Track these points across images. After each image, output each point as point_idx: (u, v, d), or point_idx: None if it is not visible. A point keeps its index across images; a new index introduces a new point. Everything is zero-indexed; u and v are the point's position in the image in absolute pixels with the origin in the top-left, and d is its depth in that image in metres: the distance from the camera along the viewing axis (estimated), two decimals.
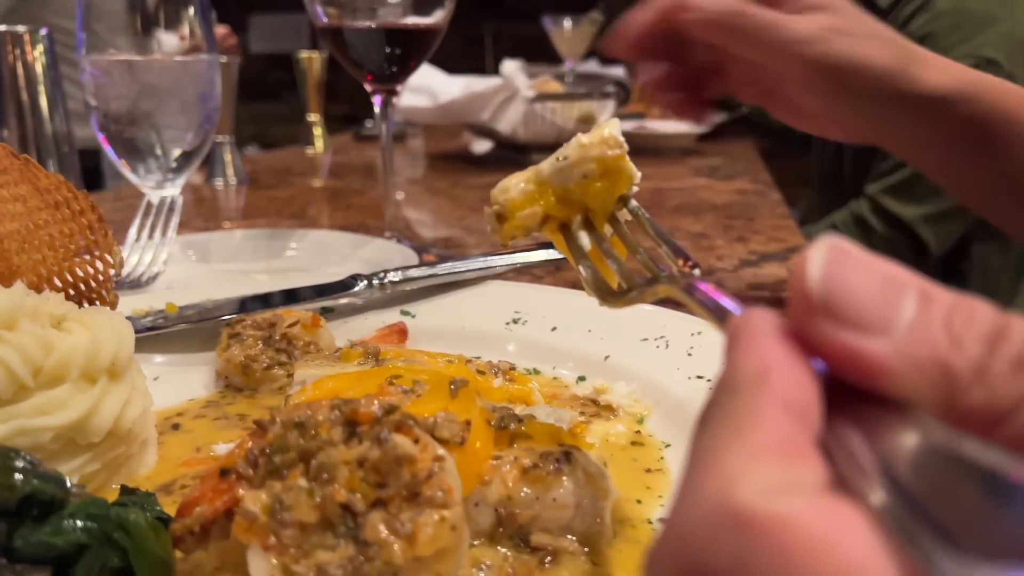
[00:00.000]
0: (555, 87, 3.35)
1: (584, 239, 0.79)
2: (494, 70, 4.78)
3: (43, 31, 2.15)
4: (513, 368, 1.00)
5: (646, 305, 1.21)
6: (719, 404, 0.39)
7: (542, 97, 3.05)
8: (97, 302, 0.90)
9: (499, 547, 0.71)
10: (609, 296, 0.73)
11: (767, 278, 1.69)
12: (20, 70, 2.32)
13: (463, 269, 1.24)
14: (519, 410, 0.94)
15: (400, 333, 1.14)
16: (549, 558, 0.70)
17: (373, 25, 1.65)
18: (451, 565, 0.61)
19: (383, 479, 0.61)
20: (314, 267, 1.60)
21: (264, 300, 1.14)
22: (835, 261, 0.39)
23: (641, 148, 3.49)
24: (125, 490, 0.77)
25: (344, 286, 1.19)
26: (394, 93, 1.72)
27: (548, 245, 1.36)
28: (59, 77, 2.27)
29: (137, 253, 1.35)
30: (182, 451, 0.89)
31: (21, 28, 2.20)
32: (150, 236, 1.40)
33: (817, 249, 0.40)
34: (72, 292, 0.88)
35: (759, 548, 0.32)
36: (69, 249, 0.88)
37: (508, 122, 3.04)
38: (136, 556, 0.63)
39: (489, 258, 1.29)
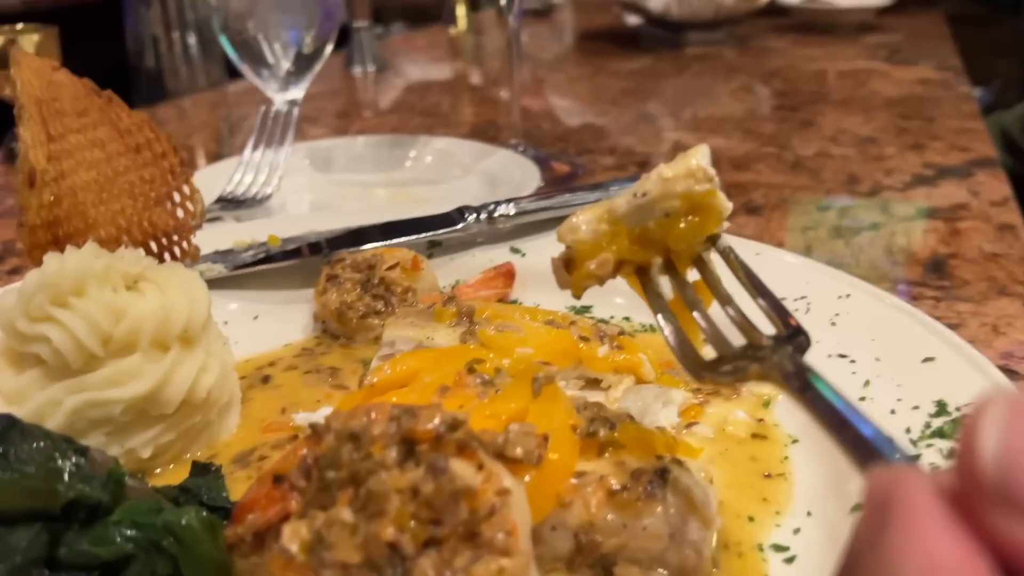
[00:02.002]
0: None
1: (665, 286, 0.66)
2: None
3: None
4: (622, 333, 0.90)
5: (788, 256, 1.06)
6: None
7: None
8: (177, 251, 0.86)
9: None
10: (699, 369, 0.60)
11: (942, 201, 1.46)
12: None
13: (579, 203, 1.12)
14: (620, 389, 0.85)
15: (506, 276, 1.05)
16: None
17: None
18: None
19: (438, 515, 0.54)
20: (435, 179, 1.53)
21: (367, 236, 1.07)
22: (1018, 428, 0.27)
23: (811, 23, 3.15)
24: (196, 468, 0.74)
25: (451, 220, 1.10)
26: None
27: None
28: None
29: (252, 172, 1.30)
30: (267, 411, 0.85)
31: None
32: (266, 147, 1.35)
33: (991, 411, 0.28)
34: (152, 243, 0.83)
35: None
36: (149, 197, 0.83)
37: (660, 0, 2.79)
38: (186, 563, 0.60)
39: (611, 188, 1.16)
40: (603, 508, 0.62)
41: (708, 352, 0.63)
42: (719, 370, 0.59)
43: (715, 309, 0.64)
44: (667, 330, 0.63)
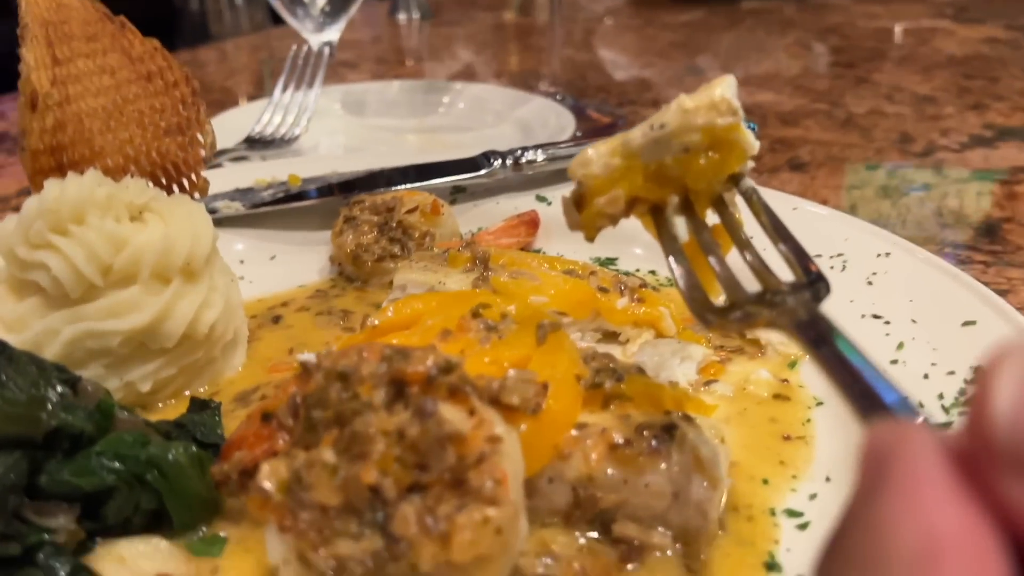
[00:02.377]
0: None
1: (680, 227, 0.61)
2: None
3: None
4: (644, 285, 0.86)
5: (823, 210, 1.00)
6: None
7: None
8: (186, 184, 0.84)
9: (576, 532, 0.60)
10: (707, 312, 0.56)
11: (1001, 163, 1.38)
12: None
13: None
14: (638, 343, 0.81)
15: (529, 225, 1.01)
16: (634, 554, 0.58)
17: None
18: (494, 572, 0.51)
19: (423, 460, 0.51)
20: (467, 126, 1.49)
21: (388, 178, 1.04)
22: None
23: None
24: (195, 404, 0.72)
25: (475, 165, 1.07)
26: None
27: None
28: None
29: (281, 113, 1.28)
30: (275, 351, 0.83)
31: None
32: (296, 88, 1.33)
33: (1009, 365, 0.25)
34: (160, 175, 0.81)
35: None
36: (159, 127, 0.81)
37: None
38: (171, 498, 0.58)
39: None
40: (604, 462, 0.58)
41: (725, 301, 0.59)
42: (728, 316, 0.55)
43: (734, 255, 0.60)
44: (677, 272, 0.59)
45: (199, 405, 0.71)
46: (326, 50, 1.39)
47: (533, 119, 1.45)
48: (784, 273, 0.56)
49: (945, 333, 0.74)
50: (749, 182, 0.62)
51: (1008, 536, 0.25)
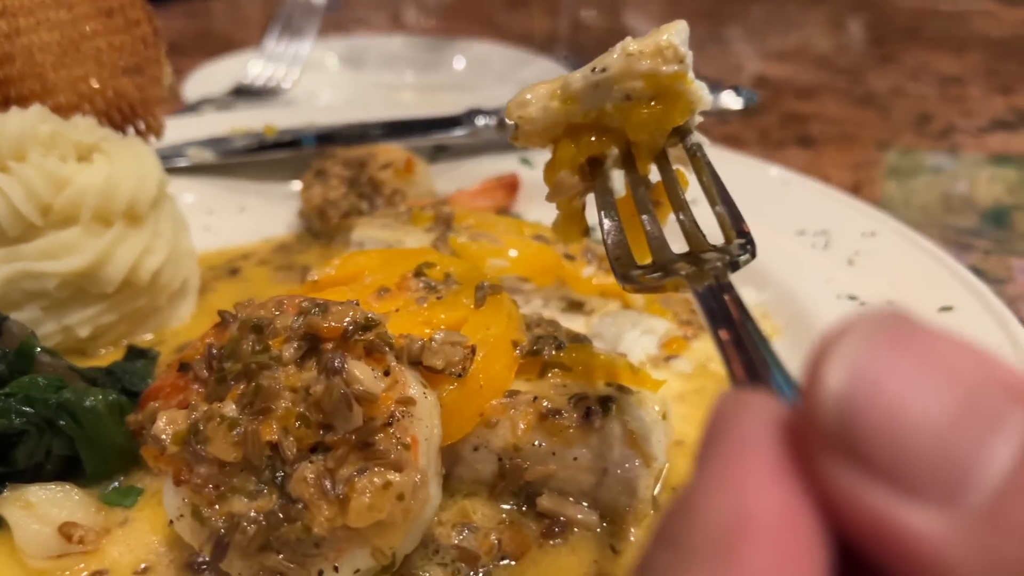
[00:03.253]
0: None
1: (617, 181, 0.57)
2: None
3: None
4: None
5: (814, 185, 0.95)
6: (670, 570, 0.23)
7: None
8: (142, 125, 0.81)
9: (500, 503, 0.57)
10: (629, 269, 0.52)
11: (1020, 148, 1.31)
12: None
13: None
14: (598, 317, 0.77)
15: (508, 188, 0.98)
16: (557, 529, 0.55)
17: None
18: (395, 539, 0.49)
19: (330, 420, 0.49)
20: (467, 86, 1.45)
21: (366, 132, 1.01)
22: (875, 360, 0.22)
23: None
24: (131, 352, 0.70)
25: (457, 123, 1.03)
26: None
27: (716, 87, 1.11)
28: None
29: (272, 64, 1.25)
30: (227, 304, 0.80)
31: None
32: (288, 40, 1.30)
33: (851, 335, 0.23)
34: (115, 114, 0.79)
35: None
36: (117, 65, 0.78)
37: None
38: (84, 445, 0.56)
39: None
40: (532, 432, 0.55)
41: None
42: (644, 276, 0.51)
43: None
44: (606, 227, 0.56)
45: (136, 354, 0.69)
46: (322, 1, 1.35)
47: (534, 81, 1.40)
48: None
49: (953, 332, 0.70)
50: (697, 137, 0.57)
51: (827, 521, 0.22)
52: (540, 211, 0.99)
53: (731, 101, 1.11)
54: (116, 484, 0.59)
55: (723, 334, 0.39)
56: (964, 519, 0.20)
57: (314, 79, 1.37)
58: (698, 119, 0.57)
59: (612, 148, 0.58)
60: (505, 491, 0.57)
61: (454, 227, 0.79)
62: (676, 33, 0.55)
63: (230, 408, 0.49)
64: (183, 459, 0.49)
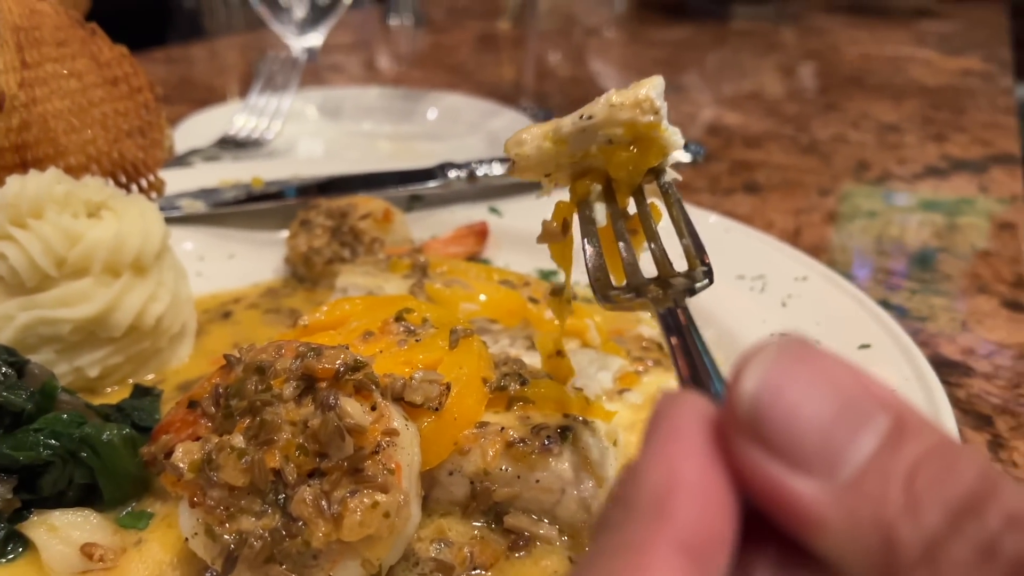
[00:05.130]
0: None
1: (599, 212, 0.67)
2: None
3: None
4: (575, 298, 0.91)
5: (754, 233, 1.05)
6: (615, 525, 0.32)
7: None
8: (144, 183, 0.89)
9: (472, 521, 0.65)
10: (607, 290, 0.63)
11: (949, 194, 1.43)
12: None
13: None
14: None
15: (478, 235, 1.07)
16: (522, 543, 0.63)
17: None
18: (382, 551, 0.56)
19: (324, 449, 0.56)
20: (440, 135, 1.54)
21: (347, 184, 1.09)
22: (780, 372, 0.31)
23: (864, 7, 3.06)
24: (137, 390, 0.77)
25: (431, 175, 1.12)
26: None
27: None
28: None
29: (255, 116, 1.33)
30: (221, 345, 0.89)
31: None
32: (272, 92, 1.38)
33: (764, 353, 0.32)
34: (120, 174, 0.87)
35: None
36: (121, 129, 0.86)
37: None
38: (103, 475, 0.64)
39: None
40: (500, 458, 0.64)
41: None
42: (619, 296, 0.61)
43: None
44: (587, 253, 0.65)
45: (141, 391, 0.77)
46: (303, 56, 1.44)
47: (501, 131, 1.50)
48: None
49: (842, 354, 0.79)
50: (671, 175, 0.67)
51: (737, 485, 0.31)
52: (508, 256, 1.08)
53: (681, 156, 1.21)
54: (130, 509, 0.66)
55: (674, 341, 0.48)
56: (835, 488, 0.29)
57: (295, 128, 1.46)
58: (672, 159, 0.66)
59: (596, 185, 0.67)
60: (476, 510, 0.65)
61: (429, 274, 0.88)
62: (653, 87, 0.64)
63: (238, 440, 0.57)
64: (198, 484, 0.56)
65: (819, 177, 1.49)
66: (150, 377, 0.83)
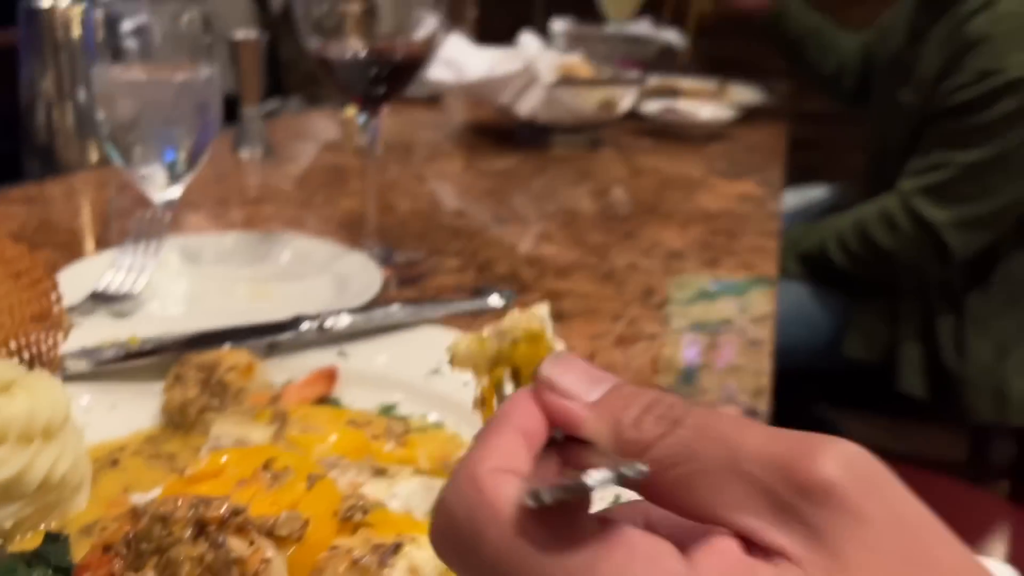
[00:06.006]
0: (581, 68, 3.40)
1: (508, 388, 0.93)
2: (544, 24, 4.81)
3: (83, 5, 2.36)
4: (408, 431, 1.15)
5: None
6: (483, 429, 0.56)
7: (563, 82, 3.11)
8: (45, 361, 1.07)
9: None
10: None
11: (715, 315, 1.77)
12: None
13: (398, 316, 1.38)
14: (402, 476, 1.09)
15: (328, 378, 1.29)
16: None
17: (360, 54, 1.76)
18: None
19: (218, 575, 0.77)
20: (293, 276, 1.76)
21: (213, 339, 1.29)
22: (558, 361, 0.55)
23: (666, 132, 3.53)
24: (48, 537, 0.94)
25: (287, 328, 1.34)
26: (378, 113, 1.83)
27: (479, 294, 1.49)
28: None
29: (123, 272, 1.51)
30: (112, 491, 1.06)
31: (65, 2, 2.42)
32: (138, 247, 1.56)
33: (551, 356, 0.56)
34: (23, 354, 1.04)
35: (478, 500, 0.48)
36: (25, 316, 1.04)
37: (527, 106, 3.11)
38: None
39: (422, 307, 1.42)
40: (347, 572, 0.85)
41: None
42: None
43: None
44: None
45: (51, 538, 0.93)
46: (167, 217, 1.64)
47: (347, 274, 1.73)
48: None
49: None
50: None
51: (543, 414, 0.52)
52: (355, 392, 1.30)
53: (495, 302, 1.49)
54: None
55: None
56: (588, 405, 0.51)
57: (161, 275, 1.64)
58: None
59: (506, 370, 0.92)
60: None
61: (288, 421, 1.09)
62: (541, 310, 0.90)
63: (151, 574, 0.77)
64: None
65: (613, 304, 1.80)
66: (53, 524, 0.99)
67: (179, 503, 0.82)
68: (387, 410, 1.28)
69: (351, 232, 2.15)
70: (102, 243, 1.99)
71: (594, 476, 0.47)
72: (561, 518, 0.48)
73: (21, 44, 2.64)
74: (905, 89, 3.26)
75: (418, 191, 2.64)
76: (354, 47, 1.77)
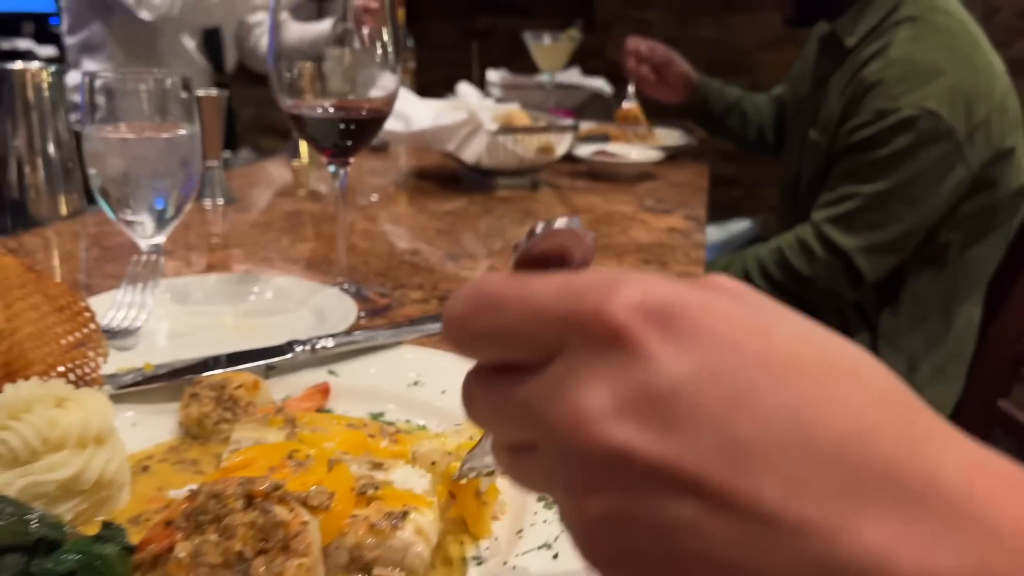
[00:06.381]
0: (520, 117, 3.66)
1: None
2: (480, 75, 5.08)
3: (52, 68, 2.54)
4: (398, 432, 1.35)
5: None
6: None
7: (505, 130, 3.36)
8: (89, 380, 1.24)
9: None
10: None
11: None
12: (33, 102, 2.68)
13: (380, 338, 1.58)
14: (393, 471, 1.29)
15: (322, 393, 1.48)
16: None
17: (331, 111, 1.97)
18: None
19: (266, 536, 0.95)
20: (272, 313, 1.94)
21: (219, 363, 1.48)
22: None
23: (599, 173, 3.80)
24: (105, 524, 1.11)
25: (283, 351, 1.53)
26: (347, 164, 2.04)
27: None
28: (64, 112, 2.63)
29: (124, 309, 1.68)
30: (148, 490, 1.23)
31: (36, 64, 2.58)
32: (135, 288, 1.74)
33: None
34: (72, 376, 1.22)
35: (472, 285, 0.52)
36: (69, 342, 1.21)
37: (473, 152, 3.35)
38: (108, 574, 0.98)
39: (401, 328, 1.62)
40: (366, 535, 1.05)
41: None
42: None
43: None
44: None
45: (108, 526, 1.11)
46: (162, 261, 1.82)
47: (325, 306, 1.92)
48: None
49: None
50: None
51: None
52: (345, 405, 1.49)
53: None
54: None
55: None
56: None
57: (156, 312, 1.81)
58: None
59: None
60: (354, 569, 1.05)
61: (298, 425, 1.28)
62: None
63: (213, 537, 0.95)
64: (192, 566, 0.93)
65: None
66: (104, 517, 1.16)
67: (228, 482, 1.01)
68: (376, 417, 1.47)
69: (317, 270, 2.35)
70: (88, 288, 2.14)
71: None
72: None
73: None
74: (813, 129, 3.61)
75: (375, 232, 2.85)
76: (323, 105, 1.98)
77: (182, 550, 0.95)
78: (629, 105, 4.41)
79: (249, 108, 7.02)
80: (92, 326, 1.24)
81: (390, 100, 2.02)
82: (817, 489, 0.36)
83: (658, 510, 0.38)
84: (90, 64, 4.87)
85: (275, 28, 1.93)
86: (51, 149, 2.93)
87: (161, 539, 1.02)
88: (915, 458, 0.36)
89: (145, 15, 4.52)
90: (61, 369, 1.22)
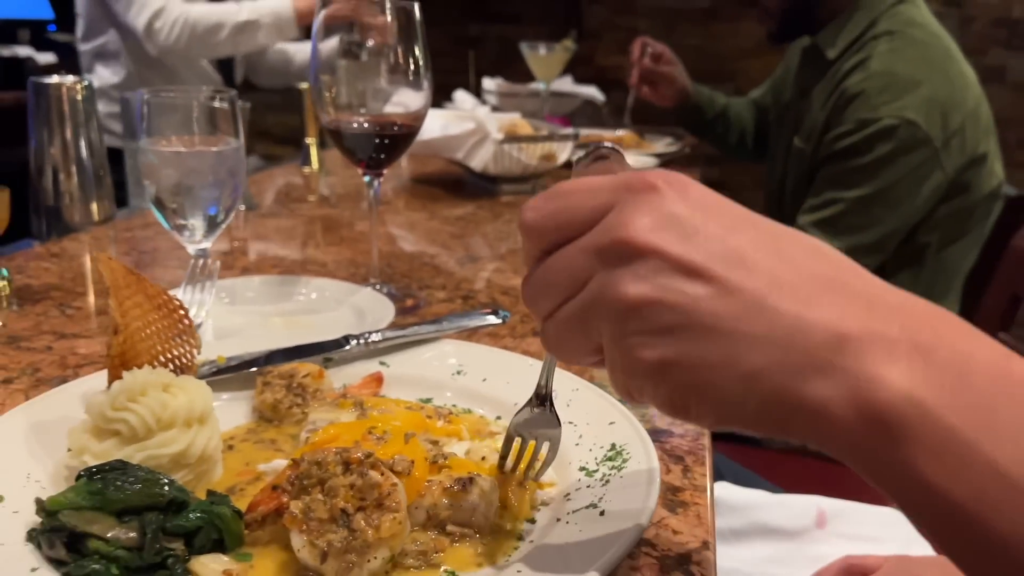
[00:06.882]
0: (523, 126, 3.84)
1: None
2: (477, 82, 5.26)
3: (86, 81, 2.72)
4: (451, 412, 1.53)
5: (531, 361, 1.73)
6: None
7: (509, 139, 3.55)
8: (186, 368, 1.42)
9: (428, 532, 1.23)
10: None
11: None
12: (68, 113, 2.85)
13: (424, 332, 1.76)
14: (449, 446, 1.47)
15: (377, 381, 1.66)
16: (456, 539, 1.22)
17: (367, 125, 2.15)
18: (398, 543, 1.13)
19: (364, 495, 1.13)
20: (316, 311, 2.11)
21: (284, 354, 1.65)
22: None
23: None
24: (210, 493, 1.28)
25: (339, 344, 1.70)
26: (381, 175, 2.22)
27: (493, 313, 1.88)
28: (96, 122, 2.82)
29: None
30: (237, 464, 1.41)
31: (71, 78, 2.76)
32: (196, 289, 1.91)
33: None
34: (171, 365, 1.39)
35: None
36: (169, 336, 1.39)
37: (480, 160, 3.53)
38: (227, 534, 1.15)
39: (442, 323, 1.80)
40: (440, 496, 1.22)
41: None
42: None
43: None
44: None
45: (212, 493, 1.28)
46: (217, 264, 1.99)
47: (364, 305, 2.09)
48: None
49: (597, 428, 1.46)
50: None
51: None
52: (397, 391, 1.66)
53: (495, 319, 1.88)
54: (237, 552, 1.18)
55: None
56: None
57: (214, 311, 1.98)
58: None
59: None
60: (431, 526, 1.22)
61: (365, 407, 1.46)
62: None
63: (319, 495, 1.13)
64: (303, 520, 1.11)
65: None
66: (205, 487, 1.34)
67: (326, 451, 1.18)
68: (426, 403, 1.65)
69: (347, 272, 2.52)
70: None
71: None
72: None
73: (29, 113, 2.94)
74: (797, 137, 3.81)
75: (393, 236, 3.02)
76: (360, 120, 2.16)
77: (295, 507, 1.12)
78: (622, 133, 4.62)
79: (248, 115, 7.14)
80: (187, 321, 1.41)
81: (420, 116, 2.20)
82: (789, 287, 0.59)
83: (679, 288, 0.60)
84: (103, 71, 4.98)
85: (316, 50, 2.11)
86: (85, 158, 3.10)
87: (269, 501, 1.19)
88: (859, 273, 0.66)
89: (151, 49, 4.62)
90: (162, 359, 1.39)
